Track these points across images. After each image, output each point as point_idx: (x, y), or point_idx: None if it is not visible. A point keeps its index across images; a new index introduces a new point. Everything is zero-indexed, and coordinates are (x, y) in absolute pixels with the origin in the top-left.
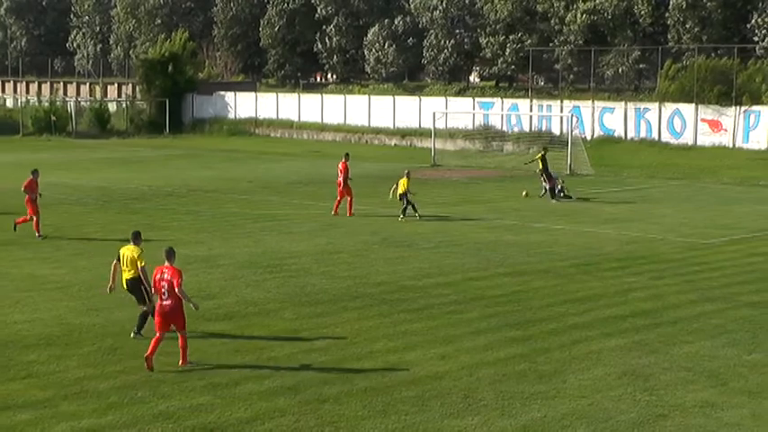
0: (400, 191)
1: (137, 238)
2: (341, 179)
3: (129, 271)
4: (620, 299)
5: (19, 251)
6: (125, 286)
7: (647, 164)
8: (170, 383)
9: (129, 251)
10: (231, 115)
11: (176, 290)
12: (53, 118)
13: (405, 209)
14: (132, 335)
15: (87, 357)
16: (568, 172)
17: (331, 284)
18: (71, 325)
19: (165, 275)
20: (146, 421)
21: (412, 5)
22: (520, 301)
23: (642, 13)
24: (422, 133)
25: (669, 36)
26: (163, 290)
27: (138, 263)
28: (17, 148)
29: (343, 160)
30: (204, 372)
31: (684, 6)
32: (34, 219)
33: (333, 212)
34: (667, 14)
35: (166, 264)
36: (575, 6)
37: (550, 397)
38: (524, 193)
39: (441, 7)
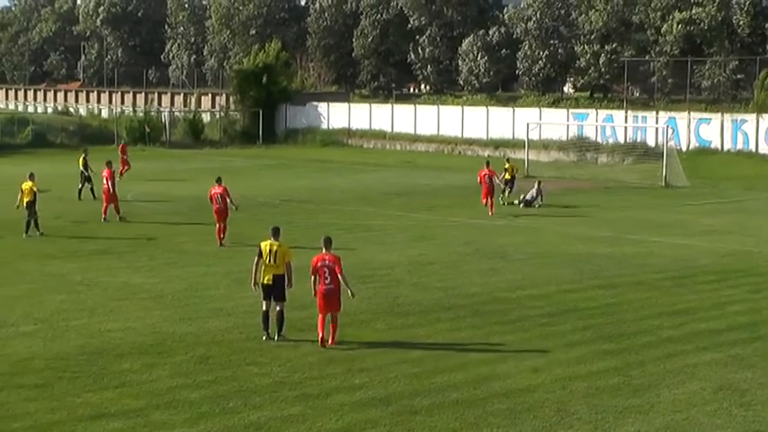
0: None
1: (277, 234)
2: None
3: (277, 267)
4: (717, 312)
5: (113, 260)
6: (269, 282)
7: (743, 176)
8: (262, 393)
9: (275, 246)
10: (324, 126)
11: (339, 275)
12: (147, 128)
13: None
14: (276, 338)
15: (179, 366)
16: (663, 184)
17: (423, 295)
18: (164, 334)
19: (327, 262)
20: (237, 431)
21: (506, 16)
22: (614, 313)
23: (740, 23)
24: (515, 144)
25: (767, 46)
26: (325, 275)
27: (288, 257)
28: (112, 158)
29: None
30: (296, 382)
31: None
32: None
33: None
34: (766, 24)
35: (324, 251)
36: (671, 16)
37: (644, 411)
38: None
39: (535, 17)
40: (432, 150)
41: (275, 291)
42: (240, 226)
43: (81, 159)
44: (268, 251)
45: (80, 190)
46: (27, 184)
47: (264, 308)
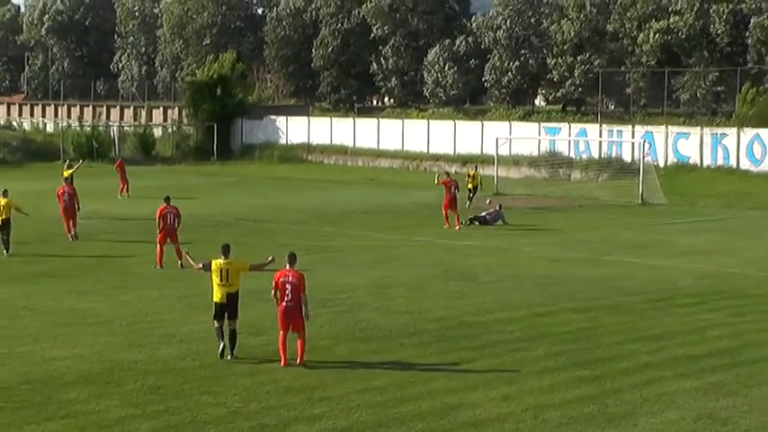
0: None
1: (227, 252)
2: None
3: (230, 286)
4: (696, 337)
5: (59, 283)
6: (222, 300)
7: (724, 193)
8: (216, 424)
9: (227, 265)
10: (282, 141)
11: (301, 294)
12: (95, 144)
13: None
14: (229, 357)
15: (129, 396)
16: (640, 201)
17: (387, 320)
18: (112, 361)
19: (290, 279)
20: None
21: (474, 25)
22: (588, 338)
23: (719, 32)
24: (484, 160)
25: (748, 57)
26: (287, 291)
27: (243, 269)
28: (57, 175)
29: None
30: (252, 413)
31: (766, 25)
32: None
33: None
34: (747, 33)
35: (288, 267)
36: (647, 26)
37: None
38: (488, 201)
39: (505, 27)
40: (396, 167)
41: (229, 309)
42: (193, 247)
43: (67, 174)
44: (219, 270)
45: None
46: (2, 201)
47: (217, 325)
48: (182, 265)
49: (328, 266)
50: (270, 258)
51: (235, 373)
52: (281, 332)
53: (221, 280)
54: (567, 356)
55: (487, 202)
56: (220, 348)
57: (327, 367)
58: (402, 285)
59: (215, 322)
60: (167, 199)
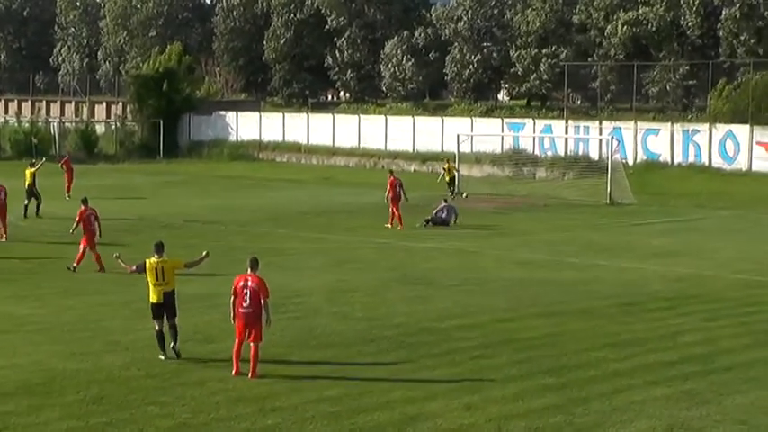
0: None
1: (161, 250)
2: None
3: (167, 284)
4: (668, 343)
5: None
6: (159, 300)
7: (696, 192)
8: None
9: (161, 263)
10: (232, 138)
11: (263, 300)
12: (34, 141)
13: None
14: (172, 346)
15: (71, 408)
16: (608, 201)
17: (343, 326)
18: (53, 371)
19: (250, 283)
20: None
21: (434, 16)
22: (554, 344)
23: (690, 24)
24: (444, 157)
25: (721, 50)
26: (245, 297)
27: (178, 266)
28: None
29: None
30: (201, 424)
31: (738, 16)
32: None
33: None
34: (719, 25)
35: (250, 272)
36: (615, 17)
37: None
38: (464, 195)
39: (466, 18)
40: (352, 165)
41: (167, 308)
42: (138, 251)
43: (29, 173)
44: (155, 269)
45: (26, 207)
46: None
47: (157, 327)
48: (101, 268)
49: (281, 270)
50: (204, 254)
51: (183, 382)
52: (237, 340)
53: (157, 279)
54: (532, 364)
55: (464, 196)
56: (162, 357)
57: (280, 376)
58: (359, 290)
59: (155, 324)
60: (85, 201)
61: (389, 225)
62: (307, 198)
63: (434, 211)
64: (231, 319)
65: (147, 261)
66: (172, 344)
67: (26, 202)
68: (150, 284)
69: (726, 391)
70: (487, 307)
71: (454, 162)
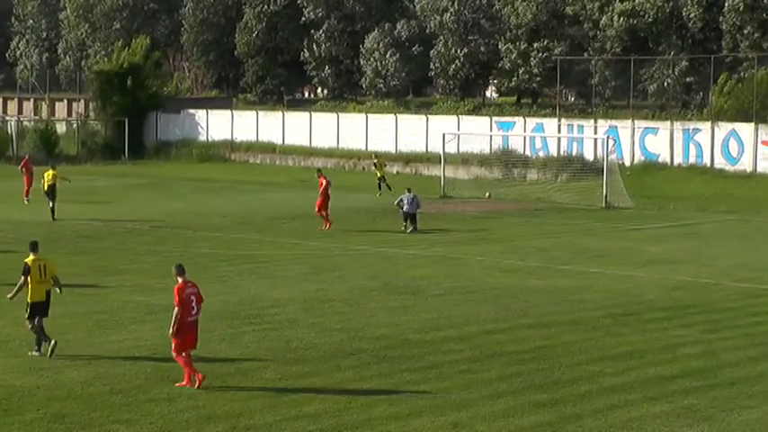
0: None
1: (36, 248)
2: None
3: (48, 282)
4: (667, 356)
5: None
6: (42, 299)
7: (696, 194)
8: None
9: (43, 261)
10: (202, 137)
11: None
12: None
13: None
14: (35, 352)
15: (29, 427)
16: (603, 204)
17: (321, 338)
18: (10, 387)
19: (194, 290)
20: None
21: (417, 7)
22: (546, 358)
23: (691, 15)
24: (429, 158)
25: (723, 43)
26: (192, 304)
27: (54, 270)
28: None
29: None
30: None
31: (742, 8)
32: None
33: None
34: (721, 18)
35: (183, 279)
36: (610, 8)
37: None
38: (487, 195)
39: (452, 9)
40: (330, 166)
41: (46, 307)
42: (103, 257)
43: (50, 175)
44: (38, 267)
45: (52, 209)
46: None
47: (31, 326)
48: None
49: (255, 278)
50: (59, 292)
51: (150, 398)
52: (187, 350)
53: (41, 276)
54: (522, 378)
55: (486, 195)
56: (51, 349)
57: (255, 391)
58: (338, 300)
59: (28, 323)
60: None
61: (325, 228)
62: (282, 202)
63: (396, 201)
64: (173, 333)
65: (27, 260)
66: (53, 342)
67: (51, 204)
68: (33, 282)
69: (729, 406)
70: (475, 318)
71: (378, 158)
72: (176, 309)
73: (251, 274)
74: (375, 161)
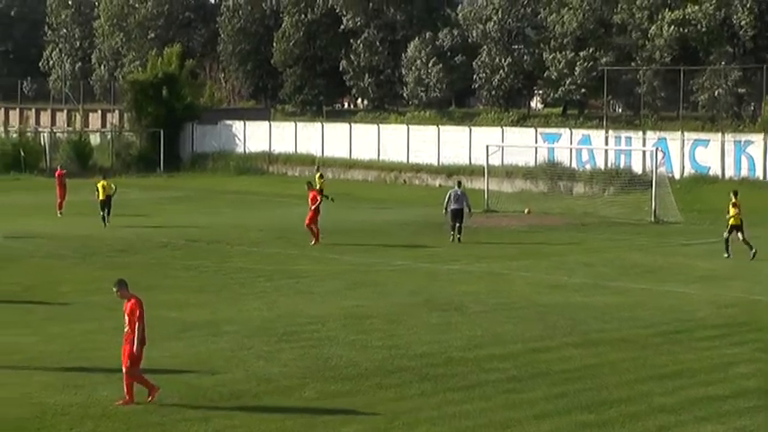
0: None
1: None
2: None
3: None
4: (718, 375)
5: None
6: None
7: (748, 208)
8: None
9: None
10: (239, 149)
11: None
12: (22, 153)
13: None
14: None
15: None
16: (652, 219)
17: (362, 356)
18: (45, 405)
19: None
20: None
21: (460, 15)
22: (593, 377)
23: (743, 23)
24: (472, 171)
25: None
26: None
27: None
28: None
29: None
30: None
31: None
32: None
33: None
34: None
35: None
36: (660, 16)
37: None
38: (527, 210)
39: (495, 18)
40: (371, 179)
41: None
42: (136, 272)
43: (103, 185)
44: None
45: (104, 217)
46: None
47: None
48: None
49: (293, 294)
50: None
51: (185, 418)
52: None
53: None
54: (568, 399)
55: (526, 211)
56: None
57: (292, 410)
58: (378, 316)
59: None
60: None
61: (315, 242)
62: (320, 215)
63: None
64: (142, 347)
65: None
66: None
67: (103, 213)
68: None
69: None
70: (519, 335)
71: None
72: (143, 322)
73: (289, 290)
74: (317, 174)
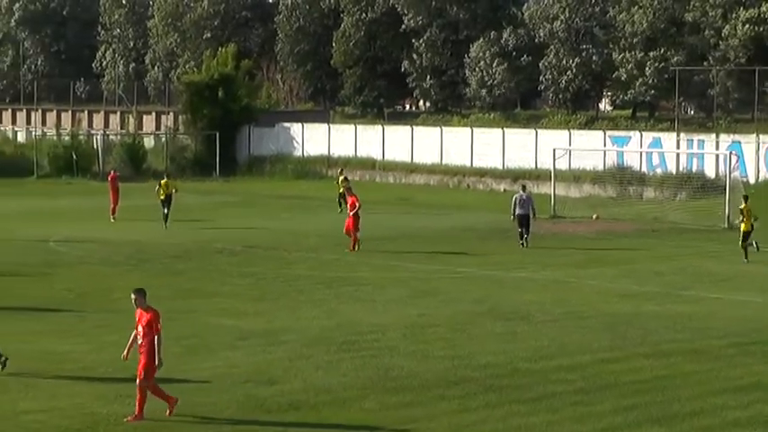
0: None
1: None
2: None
3: None
4: None
5: (32, 322)
6: None
7: None
8: None
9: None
10: (298, 152)
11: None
12: (75, 156)
13: None
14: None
15: None
16: (726, 225)
17: (424, 366)
18: (97, 415)
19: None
20: None
21: (526, 15)
22: (664, 389)
23: None
24: (538, 175)
25: None
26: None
27: None
28: (29, 194)
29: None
30: None
31: None
32: None
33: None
34: None
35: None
36: (734, 15)
37: None
38: (595, 216)
39: (563, 17)
40: (433, 183)
41: None
42: (192, 279)
43: (165, 184)
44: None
45: (166, 216)
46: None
47: None
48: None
49: (353, 302)
50: None
51: (243, 429)
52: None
53: None
54: (638, 411)
55: (594, 217)
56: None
57: (352, 423)
58: (441, 325)
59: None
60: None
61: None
62: (381, 221)
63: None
64: (154, 361)
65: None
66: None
67: (165, 210)
68: None
69: None
70: (588, 346)
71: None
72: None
73: (349, 298)
74: (340, 177)
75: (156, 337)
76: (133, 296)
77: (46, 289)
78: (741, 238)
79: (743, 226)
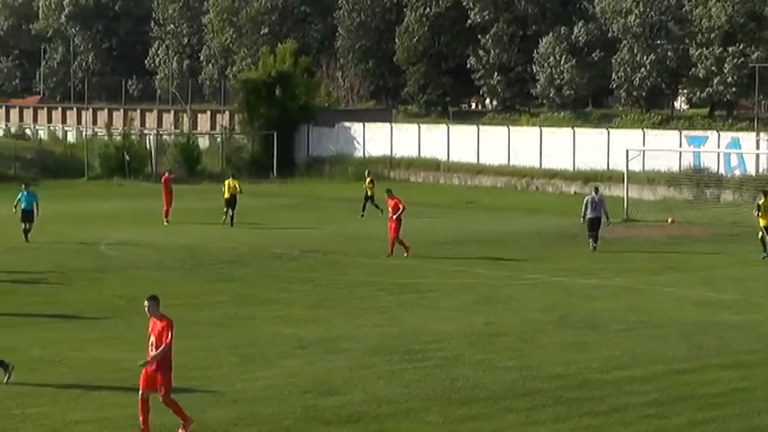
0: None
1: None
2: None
3: None
4: None
5: (82, 328)
6: None
7: None
8: None
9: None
10: (359, 153)
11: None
12: (127, 156)
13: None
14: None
15: None
16: None
17: (490, 377)
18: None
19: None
20: None
21: (597, 9)
22: (743, 402)
23: None
24: (610, 177)
25: None
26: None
27: None
28: (80, 196)
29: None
30: None
31: None
32: None
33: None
34: None
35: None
36: None
37: None
38: (670, 220)
39: (636, 11)
40: (500, 185)
41: None
42: (248, 285)
43: (230, 184)
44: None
45: (232, 216)
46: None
47: None
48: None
49: (416, 310)
50: None
51: None
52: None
53: None
54: (716, 425)
55: (669, 221)
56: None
57: None
58: (508, 334)
59: None
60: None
61: (401, 254)
62: (446, 225)
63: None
64: (158, 370)
65: None
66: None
67: (229, 210)
68: None
69: None
70: (662, 356)
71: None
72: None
73: (412, 305)
74: (367, 179)
75: (164, 345)
76: (146, 303)
77: (95, 295)
78: (765, 232)
79: (761, 221)
